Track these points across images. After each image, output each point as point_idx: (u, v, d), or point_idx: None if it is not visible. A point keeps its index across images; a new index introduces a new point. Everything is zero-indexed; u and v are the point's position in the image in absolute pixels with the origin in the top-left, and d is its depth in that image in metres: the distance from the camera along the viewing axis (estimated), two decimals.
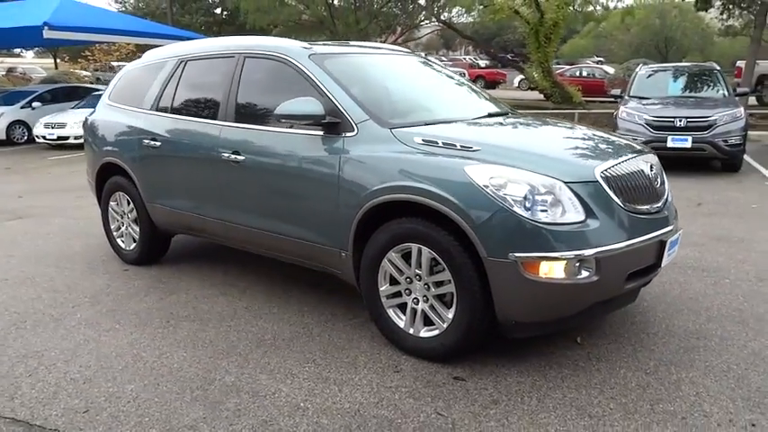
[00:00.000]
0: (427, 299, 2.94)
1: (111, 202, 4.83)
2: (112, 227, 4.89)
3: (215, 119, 3.87)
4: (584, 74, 24.49)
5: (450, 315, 2.85)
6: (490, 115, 3.79)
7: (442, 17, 21.90)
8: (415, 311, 3.00)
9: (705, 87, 9.67)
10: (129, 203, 4.65)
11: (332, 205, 3.19)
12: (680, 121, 8.24)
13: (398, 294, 3.06)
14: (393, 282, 3.06)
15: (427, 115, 3.51)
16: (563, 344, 3.15)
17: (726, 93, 9.26)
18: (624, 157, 3.01)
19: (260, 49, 3.80)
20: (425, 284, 2.93)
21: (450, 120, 3.43)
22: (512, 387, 2.74)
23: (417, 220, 2.87)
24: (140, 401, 2.67)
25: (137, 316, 3.66)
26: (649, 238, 2.83)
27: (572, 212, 2.63)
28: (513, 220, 2.61)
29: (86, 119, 5.13)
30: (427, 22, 21.73)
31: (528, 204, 2.61)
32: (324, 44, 3.96)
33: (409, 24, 21.94)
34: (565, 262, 2.59)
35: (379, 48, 4.41)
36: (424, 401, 2.63)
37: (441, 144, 2.94)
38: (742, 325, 3.36)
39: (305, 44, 3.73)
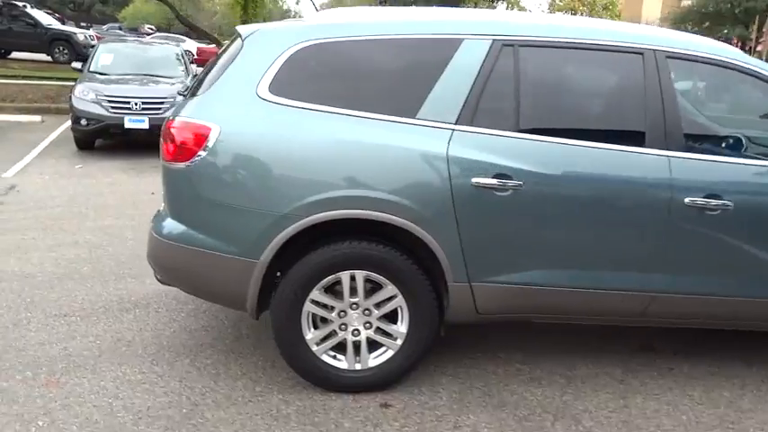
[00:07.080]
0: None
1: (314, 292, 2.59)
2: (309, 336, 2.64)
3: (641, 145, 2.60)
4: None
5: None
6: None
7: None
8: None
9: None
10: (369, 289, 2.61)
11: None
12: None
13: None
14: None
15: None
16: None
17: None
18: None
19: (709, 52, 2.72)
20: None
21: None
22: None
23: None
24: None
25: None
26: None
27: None
28: None
29: (208, 135, 2.51)
30: None
31: None
32: None
33: None
34: None
35: None
36: None
37: None
38: None
39: None
